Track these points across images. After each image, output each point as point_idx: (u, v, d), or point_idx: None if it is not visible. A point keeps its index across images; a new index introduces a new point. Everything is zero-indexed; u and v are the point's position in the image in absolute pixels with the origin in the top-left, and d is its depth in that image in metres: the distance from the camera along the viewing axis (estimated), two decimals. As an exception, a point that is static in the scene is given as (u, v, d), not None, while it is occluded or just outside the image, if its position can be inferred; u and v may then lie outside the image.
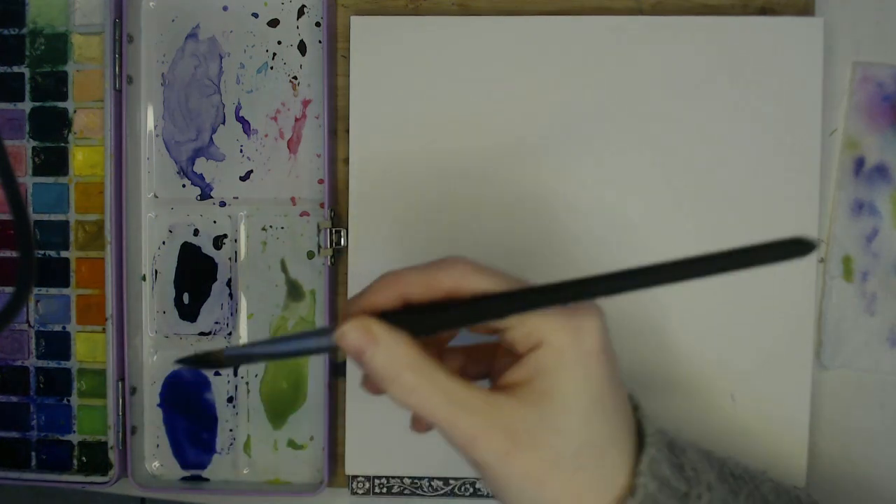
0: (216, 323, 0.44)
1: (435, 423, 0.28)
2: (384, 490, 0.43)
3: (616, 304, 0.42)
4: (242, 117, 0.44)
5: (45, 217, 0.45)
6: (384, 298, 0.30)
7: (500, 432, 0.28)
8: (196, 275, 0.44)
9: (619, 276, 0.27)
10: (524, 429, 0.28)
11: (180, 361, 0.31)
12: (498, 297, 0.28)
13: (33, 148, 0.45)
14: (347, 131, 0.42)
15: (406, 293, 0.29)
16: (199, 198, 0.44)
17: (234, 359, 0.31)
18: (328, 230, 0.42)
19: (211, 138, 0.44)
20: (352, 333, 0.28)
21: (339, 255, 0.43)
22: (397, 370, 0.28)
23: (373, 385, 0.32)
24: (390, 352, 0.28)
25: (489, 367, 0.34)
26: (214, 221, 0.44)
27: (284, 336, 0.31)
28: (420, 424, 0.34)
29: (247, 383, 0.44)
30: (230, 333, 0.44)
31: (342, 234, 0.42)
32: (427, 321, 0.29)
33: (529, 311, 0.28)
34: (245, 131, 0.44)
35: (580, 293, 0.27)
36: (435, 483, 0.42)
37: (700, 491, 0.30)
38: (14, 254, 0.45)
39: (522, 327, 0.29)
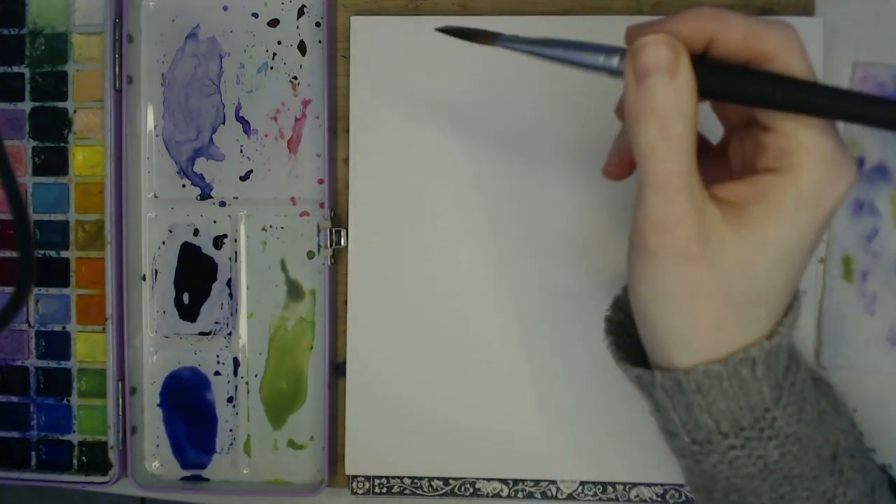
0: (216, 323, 0.44)
1: (651, 185, 0.26)
2: (384, 490, 0.43)
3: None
4: (242, 117, 0.44)
5: (45, 217, 0.45)
6: (690, 29, 0.26)
7: (698, 235, 0.26)
8: (196, 275, 0.44)
9: None
10: (716, 247, 0.26)
11: (442, 29, 0.31)
12: (825, 90, 0.25)
13: (33, 148, 0.45)
14: (347, 131, 0.42)
15: (718, 35, 0.26)
16: (199, 198, 0.44)
17: (504, 45, 0.29)
18: (328, 230, 0.42)
19: (211, 138, 0.44)
20: (657, 49, 0.25)
21: (339, 255, 0.43)
22: (676, 112, 0.25)
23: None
24: (682, 90, 0.25)
25: (712, 166, 0.31)
26: (214, 221, 0.44)
27: (564, 41, 0.28)
28: (619, 171, 0.32)
29: (247, 383, 0.44)
30: (230, 333, 0.44)
31: (342, 234, 0.42)
32: (729, 82, 0.26)
33: (847, 119, 0.25)
34: (245, 131, 0.44)
35: None
36: (435, 483, 0.42)
37: (799, 368, 0.29)
38: (14, 254, 0.45)
39: (785, 139, 0.26)
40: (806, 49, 0.26)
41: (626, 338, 0.32)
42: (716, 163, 0.31)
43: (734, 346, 0.27)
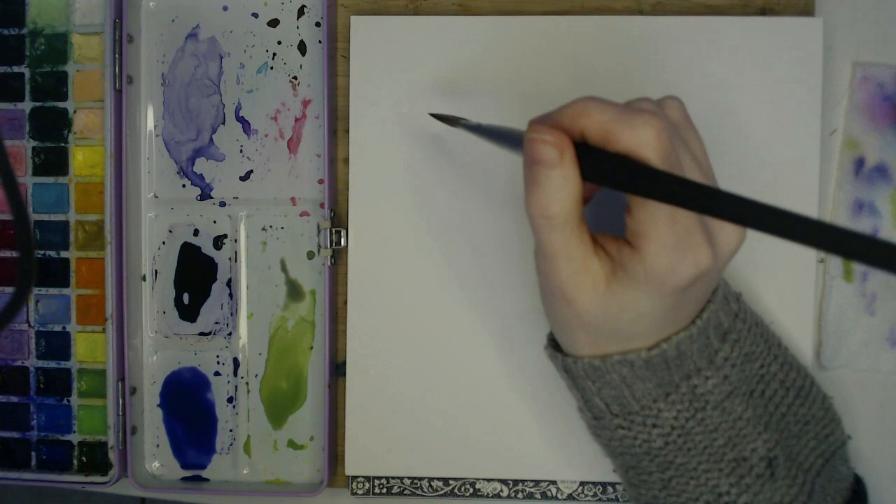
0: (216, 323, 0.44)
1: (536, 244, 0.31)
2: (384, 490, 0.43)
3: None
4: (242, 117, 0.44)
5: (45, 217, 0.45)
6: (569, 122, 0.29)
7: (572, 285, 0.30)
8: (196, 275, 0.44)
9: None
10: (589, 296, 0.30)
11: (434, 115, 0.39)
12: (672, 180, 0.27)
13: (33, 148, 0.45)
14: (347, 131, 0.42)
15: (585, 130, 0.29)
16: (199, 198, 0.44)
17: (468, 128, 0.37)
18: (328, 230, 0.42)
19: (211, 138, 0.44)
20: (543, 147, 0.29)
21: (339, 255, 0.43)
22: (552, 197, 0.29)
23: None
24: (561, 182, 0.29)
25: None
26: (214, 221, 0.44)
27: (500, 129, 0.34)
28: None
29: (247, 383, 0.44)
30: (230, 333, 0.44)
31: (342, 234, 0.42)
32: (608, 173, 0.29)
33: (680, 205, 0.27)
34: (245, 131, 0.44)
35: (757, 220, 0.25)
36: (435, 483, 0.42)
37: (711, 377, 0.33)
38: (14, 254, 0.45)
39: (637, 223, 0.29)
40: (665, 140, 0.28)
41: None
42: None
43: (613, 351, 0.32)
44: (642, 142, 0.28)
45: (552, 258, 0.30)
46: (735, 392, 0.33)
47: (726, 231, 0.30)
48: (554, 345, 0.35)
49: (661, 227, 0.28)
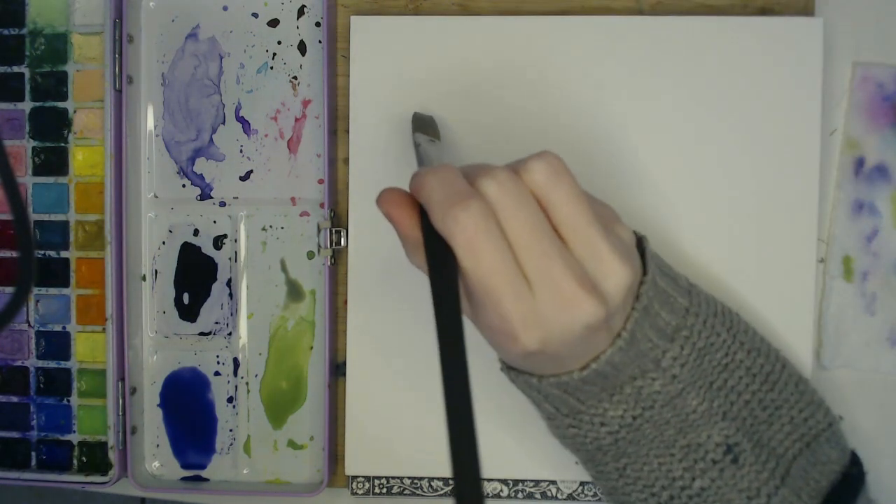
0: (216, 323, 0.44)
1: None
2: (384, 490, 0.43)
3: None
4: (242, 117, 0.44)
5: (45, 217, 0.45)
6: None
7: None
8: (196, 275, 0.44)
9: None
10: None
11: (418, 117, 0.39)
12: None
13: (33, 148, 0.45)
14: (347, 131, 0.42)
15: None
16: (199, 198, 0.44)
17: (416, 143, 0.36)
18: (328, 230, 0.42)
19: (211, 138, 0.44)
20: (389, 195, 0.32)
21: (339, 255, 0.43)
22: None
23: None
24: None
25: None
26: (214, 221, 0.44)
27: (418, 154, 0.36)
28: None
29: (247, 383, 0.44)
30: (230, 333, 0.44)
31: (342, 234, 0.42)
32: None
33: None
34: (245, 131, 0.44)
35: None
36: (435, 483, 0.42)
37: (654, 381, 0.33)
38: (14, 254, 0.45)
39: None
40: (471, 236, 0.29)
41: None
42: None
43: (549, 373, 0.32)
44: (451, 235, 0.28)
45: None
46: (687, 389, 0.33)
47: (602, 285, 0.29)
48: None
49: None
